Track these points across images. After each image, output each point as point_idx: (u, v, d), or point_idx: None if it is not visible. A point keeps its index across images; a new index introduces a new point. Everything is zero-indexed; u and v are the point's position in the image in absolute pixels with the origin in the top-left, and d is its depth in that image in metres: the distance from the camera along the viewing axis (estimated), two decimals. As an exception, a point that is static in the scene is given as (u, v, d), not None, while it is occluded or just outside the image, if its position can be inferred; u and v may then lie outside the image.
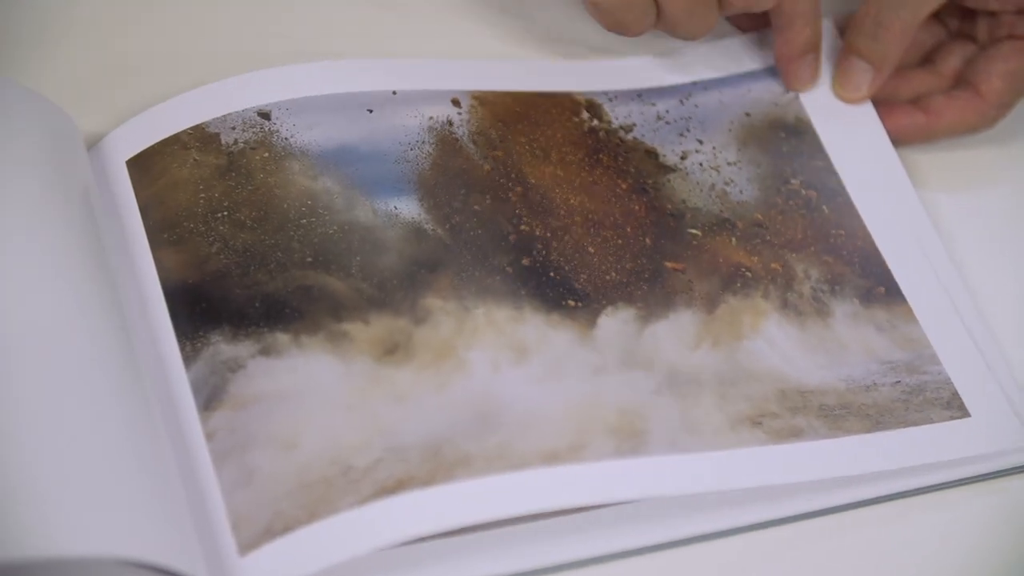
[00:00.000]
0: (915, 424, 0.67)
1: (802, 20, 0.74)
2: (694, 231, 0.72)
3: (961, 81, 0.76)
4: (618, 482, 0.63)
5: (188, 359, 0.65)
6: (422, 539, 0.61)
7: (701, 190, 0.73)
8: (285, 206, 0.69)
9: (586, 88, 0.75)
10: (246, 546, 0.61)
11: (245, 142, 0.70)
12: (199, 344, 0.65)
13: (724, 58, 0.77)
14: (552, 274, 0.69)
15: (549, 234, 0.70)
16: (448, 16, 0.78)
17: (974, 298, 0.71)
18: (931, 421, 0.67)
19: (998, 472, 0.67)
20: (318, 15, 0.77)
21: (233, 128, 0.70)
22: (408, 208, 0.70)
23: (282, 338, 0.65)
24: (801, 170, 0.74)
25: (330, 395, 0.64)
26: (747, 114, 0.76)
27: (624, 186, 0.73)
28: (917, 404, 0.67)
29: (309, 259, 0.67)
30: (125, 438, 0.61)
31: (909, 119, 0.75)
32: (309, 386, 0.64)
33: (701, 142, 0.75)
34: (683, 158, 0.74)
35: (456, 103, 0.73)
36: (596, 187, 0.72)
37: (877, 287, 0.71)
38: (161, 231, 0.68)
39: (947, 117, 0.75)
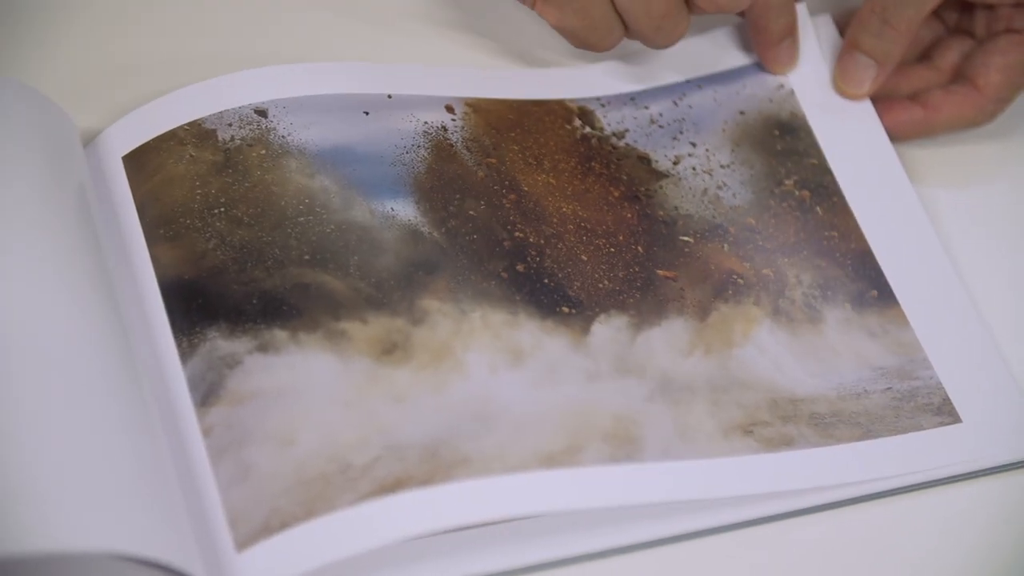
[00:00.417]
0: (905, 431, 0.67)
1: (775, 11, 0.75)
2: (686, 238, 0.72)
3: (959, 76, 0.76)
4: (614, 488, 0.63)
5: (185, 355, 0.64)
6: (419, 537, 0.61)
7: (694, 195, 0.73)
8: (282, 203, 0.68)
9: (578, 95, 0.76)
10: (243, 542, 0.60)
11: (242, 139, 0.70)
12: (196, 340, 0.65)
13: (716, 51, 0.77)
14: (546, 281, 0.69)
15: (543, 241, 0.70)
16: (441, 25, 0.78)
17: (971, 296, 0.71)
18: (921, 428, 0.67)
19: (989, 470, 0.67)
20: (314, 20, 0.77)
21: (230, 124, 0.70)
22: (404, 210, 0.69)
23: (280, 335, 0.65)
24: (795, 170, 0.74)
25: (328, 392, 0.64)
26: (741, 112, 0.76)
27: (616, 194, 0.73)
28: (908, 411, 0.68)
29: (307, 257, 0.67)
30: (121, 434, 0.60)
31: (907, 114, 0.75)
32: (307, 383, 0.64)
33: (694, 145, 0.75)
34: (676, 163, 0.74)
35: (450, 109, 0.73)
36: (588, 195, 0.72)
37: (870, 291, 0.71)
38: (157, 227, 0.68)
39: (945, 111, 0.75)
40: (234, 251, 0.67)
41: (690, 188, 0.73)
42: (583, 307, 0.68)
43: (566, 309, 0.68)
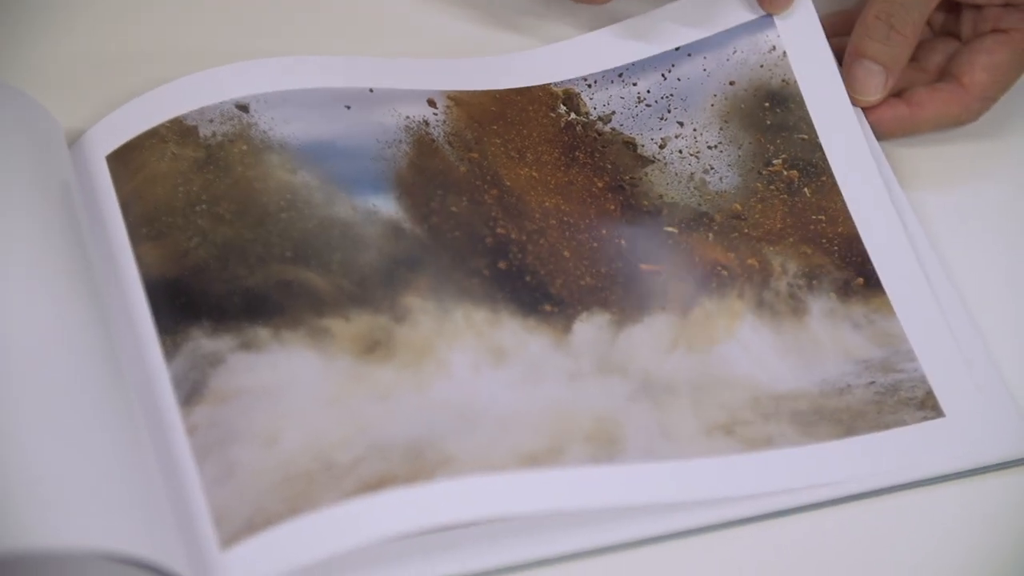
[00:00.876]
0: (887, 427, 0.67)
1: None
2: (670, 228, 0.72)
3: (945, 74, 0.76)
4: (596, 490, 0.63)
5: (169, 354, 0.64)
6: (403, 536, 0.61)
7: (679, 182, 0.73)
8: (264, 200, 0.68)
9: (564, 77, 0.75)
10: (227, 540, 0.61)
11: (224, 135, 0.70)
12: (179, 339, 0.65)
13: (707, 11, 0.76)
14: (528, 278, 0.69)
15: (525, 237, 0.70)
16: (422, 14, 0.78)
17: (958, 289, 0.71)
18: (904, 423, 0.67)
19: (973, 471, 0.67)
20: (297, 14, 0.77)
21: (211, 121, 0.70)
22: (386, 206, 0.69)
23: (262, 333, 0.65)
24: (784, 147, 0.74)
25: (311, 390, 0.64)
26: (731, 82, 0.75)
27: (600, 184, 0.73)
28: (890, 406, 0.67)
29: (289, 254, 0.67)
30: (106, 433, 0.60)
31: (892, 111, 0.75)
32: (290, 381, 0.64)
33: (682, 124, 0.74)
34: (662, 146, 0.74)
35: (432, 103, 0.73)
36: (572, 187, 0.72)
37: (856, 278, 0.71)
38: (141, 226, 0.67)
39: (930, 109, 0.75)
40: (216, 249, 0.67)
41: (676, 174, 0.73)
42: (565, 305, 0.68)
43: (548, 307, 0.68)
